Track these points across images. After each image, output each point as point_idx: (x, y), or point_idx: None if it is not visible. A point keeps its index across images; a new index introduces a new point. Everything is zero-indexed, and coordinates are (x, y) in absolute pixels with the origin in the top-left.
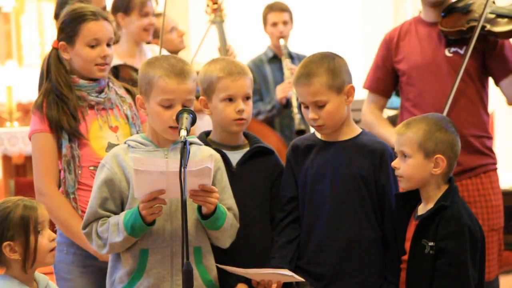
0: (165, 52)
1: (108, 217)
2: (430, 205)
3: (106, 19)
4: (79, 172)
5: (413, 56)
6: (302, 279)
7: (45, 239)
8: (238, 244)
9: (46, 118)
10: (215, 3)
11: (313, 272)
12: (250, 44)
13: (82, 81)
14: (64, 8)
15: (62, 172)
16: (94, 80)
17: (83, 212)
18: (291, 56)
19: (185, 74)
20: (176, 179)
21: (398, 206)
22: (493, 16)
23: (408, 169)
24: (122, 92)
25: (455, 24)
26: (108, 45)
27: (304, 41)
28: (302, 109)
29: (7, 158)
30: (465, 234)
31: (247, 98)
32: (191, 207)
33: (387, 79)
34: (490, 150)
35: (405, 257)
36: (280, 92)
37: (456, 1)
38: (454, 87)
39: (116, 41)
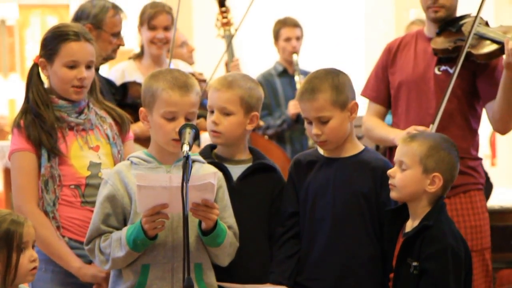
0: (181, 64)
1: (111, 233)
2: (417, 223)
3: (88, 40)
4: (59, 191)
5: (406, 70)
6: None
7: (26, 258)
8: (235, 259)
9: (26, 137)
10: (225, 17)
11: None
12: (255, 58)
13: (61, 102)
14: (80, 22)
15: (40, 191)
16: (73, 101)
17: (65, 228)
18: (303, 73)
19: (188, 87)
20: (178, 194)
21: (388, 223)
22: (477, 37)
23: (403, 179)
24: (102, 112)
25: (444, 43)
26: (89, 67)
27: (307, 56)
28: (306, 124)
29: (8, 171)
30: (447, 255)
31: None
32: (193, 224)
33: (386, 88)
34: (474, 170)
35: (392, 275)
36: (293, 107)
37: (452, 19)
38: (442, 106)
39: (139, 55)
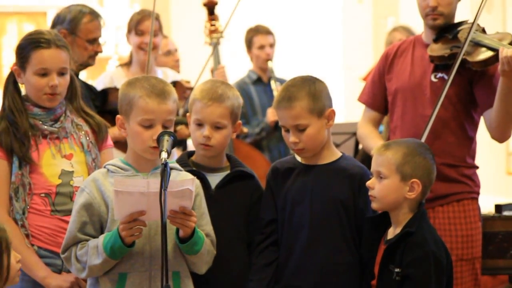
0: (169, 73)
1: (87, 241)
2: (399, 230)
3: (60, 47)
4: (29, 199)
5: (402, 77)
6: None
7: (13, 259)
8: (213, 267)
9: None
10: (213, 25)
11: None
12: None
13: (36, 110)
14: (55, 27)
15: (10, 199)
16: (49, 108)
17: (34, 237)
18: (279, 80)
19: (166, 95)
20: (156, 201)
21: (369, 230)
22: (472, 44)
23: (382, 189)
24: (79, 120)
25: (440, 50)
26: (62, 74)
27: (284, 64)
28: (283, 132)
29: None
30: (429, 261)
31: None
32: (170, 232)
33: (382, 95)
34: (469, 178)
35: (374, 282)
36: (272, 115)
37: (450, 25)
38: (434, 114)
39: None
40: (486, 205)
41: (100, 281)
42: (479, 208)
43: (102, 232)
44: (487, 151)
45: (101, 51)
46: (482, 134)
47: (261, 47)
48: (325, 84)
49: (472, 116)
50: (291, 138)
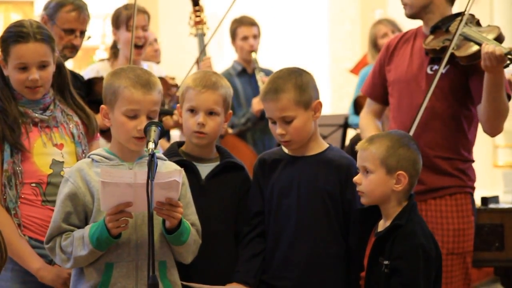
0: (154, 67)
1: (72, 231)
2: (389, 222)
3: (39, 40)
4: (20, 188)
5: (400, 68)
6: None
7: None
8: (201, 258)
9: None
10: (198, 16)
11: (278, 286)
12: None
13: (25, 98)
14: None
15: (2, 187)
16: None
17: (25, 227)
18: (263, 71)
19: (151, 85)
20: (143, 192)
21: (359, 222)
22: (462, 38)
23: (369, 184)
24: (69, 110)
25: (433, 42)
26: (43, 66)
27: (270, 55)
28: (270, 124)
29: None
30: (418, 254)
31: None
32: (157, 221)
33: (382, 86)
34: (463, 172)
35: (364, 274)
36: (257, 104)
37: (446, 17)
38: (423, 106)
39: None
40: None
41: (86, 272)
42: (473, 203)
43: (86, 222)
44: (475, 144)
45: (77, 44)
46: None
47: (245, 38)
48: (312, 76)
49: (469, 109)
50: (278, 130)
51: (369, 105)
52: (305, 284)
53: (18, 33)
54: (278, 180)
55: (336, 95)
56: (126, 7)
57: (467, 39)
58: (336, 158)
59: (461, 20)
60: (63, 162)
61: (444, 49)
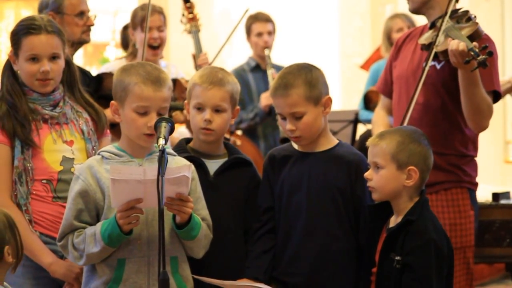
0: (172, 69)
1: (84, 228)
2: (400, 218)
3: (51, 32)
4: (31, 185)
5: (403, 64)
6: None
7: None
8: (210, 254)
9: (0, 129)
10: (191, 12)
11: (288, 282)
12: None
13: (35, 95)
14: (42, 12)
15: (13, 184)
16: (48, 93)
17: (36, 223)
18: (274, 67)
19: (161, 82)
20: (153, 188)
21: (371, 218)
22: (445, 34)
23: (380, 180)
24: (78, 107)
25: (426, 38)
26: (54, 58)
27: (280, 51)
28: (279, 120)
29: None
30: (430, 249)
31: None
32: (167, 217)
33: (392, 82)
34: (457, 167)
35: (375, 270)
36: (265, 100)
37: (446, 13)
38: (413, 101)
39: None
40: (484, 193)
41: (98, 268)
42: (472, 197)
43: (98, 219)
44: (485, 140)
45: (92, 24)
46: None
47: (259, 34)
48: (321, 72)
49: None
50: (287, 126)
51: (382, 101)
52: (315, 280)
53: (29, 25)
54: (288, 176)
55: (346, 90)
56: (142, 7)
57: (448, 35)
58: (346, 154)
59: (444, 16)
60: (73, 158)
61: (430, 45)
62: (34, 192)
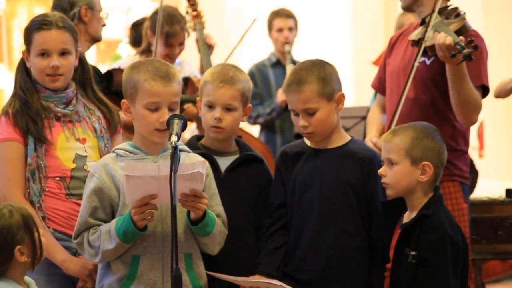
0: (186, 66)
1: (99, 226)
2: (415, 213)
3: (61, 28)
4: (44, 182)
5: (395, 61)
6: None
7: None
8: (222, 250)
9: (13, 125)
10: (195, 10)
11: (300, 278)
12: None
13: (48, 92)
14: (75, 5)
15: (26, 181)
16: (61, 90)
17: (50, 219)
18: (294, 63)
19: (170, 77)
20: (167, 184)
21: (384, 214)
22: (434, 30)
23: (394, 176)
24: (91, 105)
25: (416, 34)
26: (63, 54)
27: (296, 48)
28: (292, 116)
29: None
30: (445, 244)
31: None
32: (181, 214)
33: (385, 79)
34: (448, 161)
35: (389, 265)
36: (281, 95)
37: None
38: (403, 97)
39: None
40: (497, 189)
41: (112, 265)
42: (464, 190)
43: (113, 217)
44: (498, 136)
45: (104, 24)
46: (492, 119)
47: (280, 30)
48: (334, 68)
49: None
50: (300, 122)
51: (377, 99)
52: (327, 276)
53: (41, 21)
54: (300, 172)
55: (358, 87)
56: (168, 21)
57: (436, 31)
58: (358, 150)
59: (432, 13)
60: (86, 156)
61: (420, 41)
62: (47, 189)
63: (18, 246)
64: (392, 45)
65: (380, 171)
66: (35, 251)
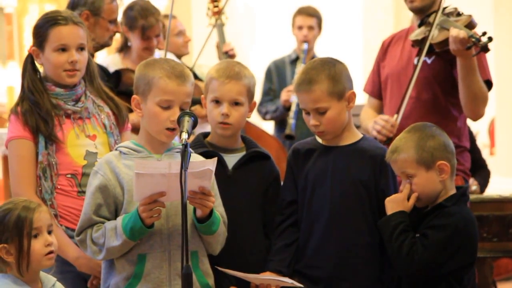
0: (170, 56)
1: (102, 223)
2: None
3: (77, 24)
4: (56, 179)
5: (392, 63)
6: (301, 286)
7: (40, 244)
8: (228, 247)
9: (23, 124)
10: (216, 6)
11: (311, 275)
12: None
13: (58, 89)
14: (74, 10)
15: (38, 179)
16: (70, 88)
17: (61, 217)
18: None
19: (185, 77)
20: (176, 182)
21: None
22: (439, 28)
23: (417, 188)
24: (99, 101)
25: (418, 34)
26: (81, 49)
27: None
28: (304, 115)
29: (7, 159)
30: (448, 230)
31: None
32: (188, 211)
33: (380, 83)
34: None
35: None
36: (284, 95)
37: (435, 10)
38: (407, 96)
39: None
40: (509, 187)
41: (117, 264)
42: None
43: (116, 214)
44: (509, 134)
45: (120, 31)
46: (503, 117)
47: (300, 28)
48: (345, 66)
49: (456, 97)
50: (311, 121)
51: (369, 102)
52: (338, 273)
53: (55, 17)
54: (312, 169)
55: None
56: (142, 13)
57: (442, 28)
58: (370, 148)
59: (437, 11)
60: (96, 153)
61: (424, 40)
62: (59, 187)
63: (2, 245)
64: (386, 48)
65: (401, 188)
66: (21, 256)
